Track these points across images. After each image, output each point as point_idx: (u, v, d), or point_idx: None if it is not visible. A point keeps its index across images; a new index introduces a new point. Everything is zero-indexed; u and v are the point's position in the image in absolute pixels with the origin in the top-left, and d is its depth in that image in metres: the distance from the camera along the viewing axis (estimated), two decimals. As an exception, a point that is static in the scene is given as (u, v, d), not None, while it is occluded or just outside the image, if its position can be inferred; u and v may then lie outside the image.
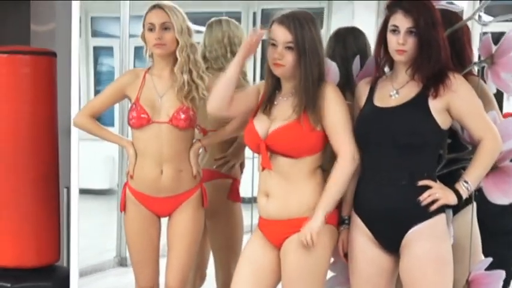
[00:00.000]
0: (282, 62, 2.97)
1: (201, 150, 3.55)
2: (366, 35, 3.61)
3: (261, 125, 3.04)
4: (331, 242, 3.08)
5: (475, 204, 3.31)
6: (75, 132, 3.85)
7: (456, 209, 3.18)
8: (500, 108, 3.33)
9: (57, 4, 5.31)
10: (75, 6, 3.90)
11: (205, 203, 3.49)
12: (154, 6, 3.41)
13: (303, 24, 2.96)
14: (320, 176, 3.06)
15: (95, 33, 9.40)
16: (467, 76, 3.11)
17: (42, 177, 4.19)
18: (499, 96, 3.30)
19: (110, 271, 6.20)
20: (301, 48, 2.94)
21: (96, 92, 5.76)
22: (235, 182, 3.79)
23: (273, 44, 2.98)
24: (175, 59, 3.40)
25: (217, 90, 3.07)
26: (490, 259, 3.23)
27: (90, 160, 4.58)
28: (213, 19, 3.85)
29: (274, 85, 3.08)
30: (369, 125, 2.98)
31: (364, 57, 3.43)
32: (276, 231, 3.06)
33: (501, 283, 3.18)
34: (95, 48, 9.25)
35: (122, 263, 6.27)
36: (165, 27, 3.37)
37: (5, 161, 4.13)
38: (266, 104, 3.07)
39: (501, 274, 3.18)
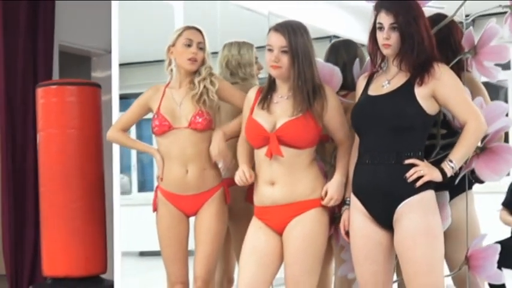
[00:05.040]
0: (278, 64, 3.33)
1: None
2: (358, 46, 3.98)
3: (265, 120, 3.38)
4: (328, 222, 3.41)
5: (470, 191, 3.54)
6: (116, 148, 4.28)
7: (452, 194, 3.44)
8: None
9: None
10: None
11: (228, 199, 3.81)
12: (191, 27, 3.82)
13: (295, 30, 3.34)
14: (316, 166, 3.43)
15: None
16: (462, 71, 3.41)
17: (89, 195, 4.61)
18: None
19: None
20: (295, 52, 3.31)
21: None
22: (252, 185, 4.06)
23: (270, 49, 3.35)
24: (193, 73, 3.79)
25: None
26: (486, 234, 3.45)
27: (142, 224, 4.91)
28: (224, 43, 4.26)
29: (270, 86, 3.44)
30: (362, 111, 3.28)
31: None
32: (281, 215, 3.35)
33: (497, 256, 3.35)
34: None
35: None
36: (200, 46, 3.77)
37: (56, 180, 4.58)
38: (264, 102, 3.42)
39: (496, 248, 3.36)
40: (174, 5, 5.05)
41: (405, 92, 3.19)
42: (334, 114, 3.39)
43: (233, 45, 4.22)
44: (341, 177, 3.40)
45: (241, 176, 3.45)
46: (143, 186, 8.10)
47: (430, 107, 3.18)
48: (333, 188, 3.37)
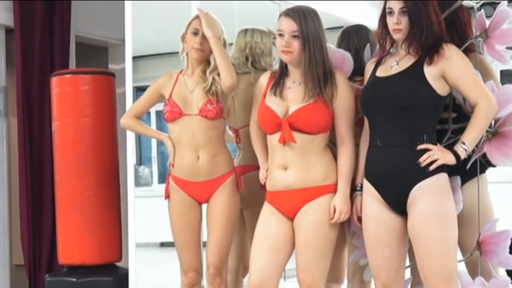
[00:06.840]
0: (289, 49, 3.33)
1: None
2: (370, 31, 3.92)
3: (277, 106, 3.38)
4: None
5: (483, 175, 3.50)
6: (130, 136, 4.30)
7: (464, 178, 3.40)
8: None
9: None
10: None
11: (240, 186, 3.81)
12: None
13: (306, 15, 3.33)
14: (330, 151, 3.41)
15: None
16: (469, 53, 3.38)
17: (104, 184, 4.63)
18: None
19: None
20: (305, 36, 3.30)
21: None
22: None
23: (281, 34, 3.35)
24: (207, 62, 3.79)
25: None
26: (498, 219, 3.42)
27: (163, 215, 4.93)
28: (241, 29, 4.21)
29: (282, 72, 3.43)
30: (371, 92, 3.27)
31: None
32: (293, 200, 3.36)
33: (509, 241, 3.33)
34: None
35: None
36: None
37: (70, 168, 4.60)
38: (276, 88, 3.41)
39: (509, 232, 3.33)
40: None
41: (414, 71, 3.18)
42: (342, 104, 3.37)
43: (255, 33, 4.17)
44: (345, 187, 3.37)
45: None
46: (164, 178, 8.12)
47: (440, 88, 3.17)
48: (340, 202, 3.35)
